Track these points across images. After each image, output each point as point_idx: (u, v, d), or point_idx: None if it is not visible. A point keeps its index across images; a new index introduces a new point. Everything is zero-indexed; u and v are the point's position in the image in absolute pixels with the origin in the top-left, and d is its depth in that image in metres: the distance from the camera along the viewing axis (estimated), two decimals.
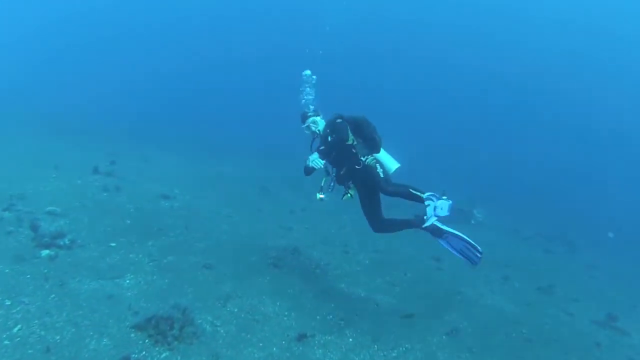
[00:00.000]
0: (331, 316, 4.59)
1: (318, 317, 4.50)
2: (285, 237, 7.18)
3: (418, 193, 4.29)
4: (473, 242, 4.25)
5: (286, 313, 4.41)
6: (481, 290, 6.32)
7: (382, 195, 4.65)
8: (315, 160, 4.41)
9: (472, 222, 12.18)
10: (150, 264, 4.84)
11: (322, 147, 4.53)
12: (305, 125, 4.88)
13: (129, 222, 6.02)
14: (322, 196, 4.52)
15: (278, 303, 4.60)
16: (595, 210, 16.71)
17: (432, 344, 4.41)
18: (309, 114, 4.89)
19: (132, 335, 3.31)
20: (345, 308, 4.84)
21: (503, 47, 37.01)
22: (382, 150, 4.71)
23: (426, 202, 4.22)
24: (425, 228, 4.34)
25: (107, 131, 15.12)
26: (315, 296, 5.01)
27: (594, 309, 6.49)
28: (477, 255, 4.21)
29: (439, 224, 4.32)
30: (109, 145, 11.76)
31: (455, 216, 11.93)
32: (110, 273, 4.34)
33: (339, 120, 4.52)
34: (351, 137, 4.56)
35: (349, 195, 4.66)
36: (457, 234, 4.28)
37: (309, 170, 4.56)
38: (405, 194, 4.35)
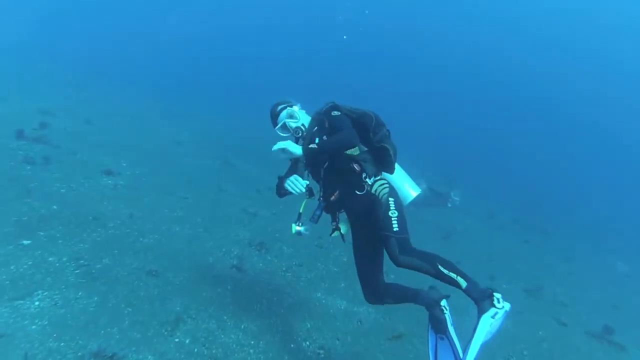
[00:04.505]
0: (308, 342, 3.74)
1: (292, 345, 3.64)
2: (249, 226, 6.17)
3: (453, 276, 2.55)
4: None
5: (252, 342, 3.49)
6: None
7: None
8: (295, 183, 2.73)
9: (449, 205, 11.70)
10: (77, 271, 3.72)
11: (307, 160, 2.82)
12: (280, 125, 3.07)
13: (55, 207, 4.77)
14: (299, 228, 2.89)
15: (242, 326, 3.67)
16: (565, 196, 16.94)
17: None
18: (280, 106, 3.11)
19: None
20: (324, 329, 4.01)
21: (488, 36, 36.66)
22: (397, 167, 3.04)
23: (481, 308, 2.43)
24: (435, 316, 2.96)
25: (43, 81, 13.06)
26: (288, 312, 4.13)
27: (583, 314, 6.12)
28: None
29: (450, 326, 2.90)
30: (42, 100, 9.97)
31: (433, 199, 11.55)
32: (12, 291, 3.19)
33: (335, 113, 2.83)
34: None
35: (338, 232, 3.06)
36: (456, 346, 2.81)
37: (284, 193, 2.91)
38: (429, 271, 2.60)
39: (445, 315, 2.92)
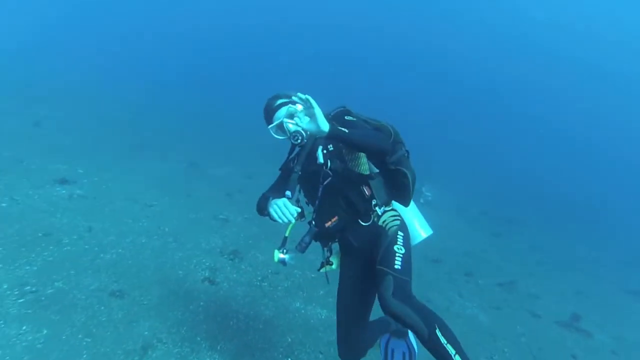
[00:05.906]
0: (289, 359, 3.52)
1: None
2: (220, 232, 5.85)
3: (450, 351, 1.90)
4: None
5: None
6: (449, 294, 5.70)
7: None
8: (282, 211, 2.13)
9: (421, 200, 11.77)
10: (20, 300, 3.30)
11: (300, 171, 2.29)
12: (276, 123, 2.34)
13: None
14: (283, 256, 2.26)
15: (218, 347, 3.40)
16: (530, 185, 17.60)
17: None
18: (279, 101, 2.39)
19: None
20: (305, 342, 3.80)
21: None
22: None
23: None
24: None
25: None
26: (266, 326, 3.89)
27: (552, 304, 6.26)
28: None
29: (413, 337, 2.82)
30: None
31: None
32: None
33: (350, 118, 2.29)
34: (365, 162, 2.38)
35: (330, 266, 2.52)
36: (412, 342, 2.79)
37: (267, 215, 2.27)
38: (422, 331, 1.96)
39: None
